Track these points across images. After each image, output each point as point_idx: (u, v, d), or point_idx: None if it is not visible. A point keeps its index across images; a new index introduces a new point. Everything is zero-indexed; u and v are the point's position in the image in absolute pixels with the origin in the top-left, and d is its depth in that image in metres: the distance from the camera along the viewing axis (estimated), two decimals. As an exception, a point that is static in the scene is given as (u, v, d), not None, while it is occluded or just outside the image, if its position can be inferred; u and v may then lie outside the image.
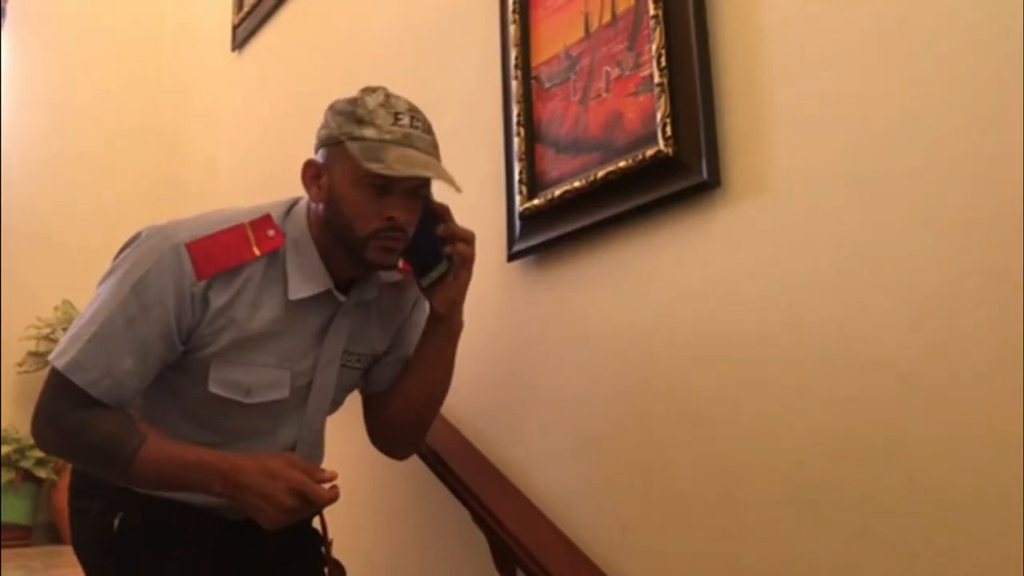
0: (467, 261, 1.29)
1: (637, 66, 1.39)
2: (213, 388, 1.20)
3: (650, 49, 1.36)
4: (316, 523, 1.36)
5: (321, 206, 1.22)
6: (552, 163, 1.54)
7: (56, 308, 3.43)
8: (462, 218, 1.30)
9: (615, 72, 1.44)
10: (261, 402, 1.24)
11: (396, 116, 1.18)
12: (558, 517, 1.45)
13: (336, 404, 1.37)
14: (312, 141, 1.25)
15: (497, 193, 1.67)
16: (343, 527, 1.44)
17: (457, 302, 1.31)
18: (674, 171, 1.30)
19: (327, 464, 1.28)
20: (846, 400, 1.07)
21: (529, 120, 1.61)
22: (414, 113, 1.20)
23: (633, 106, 1.39)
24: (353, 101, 1.20)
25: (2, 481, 3.11)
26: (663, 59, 1.32)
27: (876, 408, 1.04)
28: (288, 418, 1.29)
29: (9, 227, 3.42)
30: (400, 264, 1.32)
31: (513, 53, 1.65)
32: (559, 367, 1.52)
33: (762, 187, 1.20)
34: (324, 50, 2.56)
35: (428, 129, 1.21)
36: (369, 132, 1.17)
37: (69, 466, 1.35)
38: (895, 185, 1.04)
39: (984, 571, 0.92)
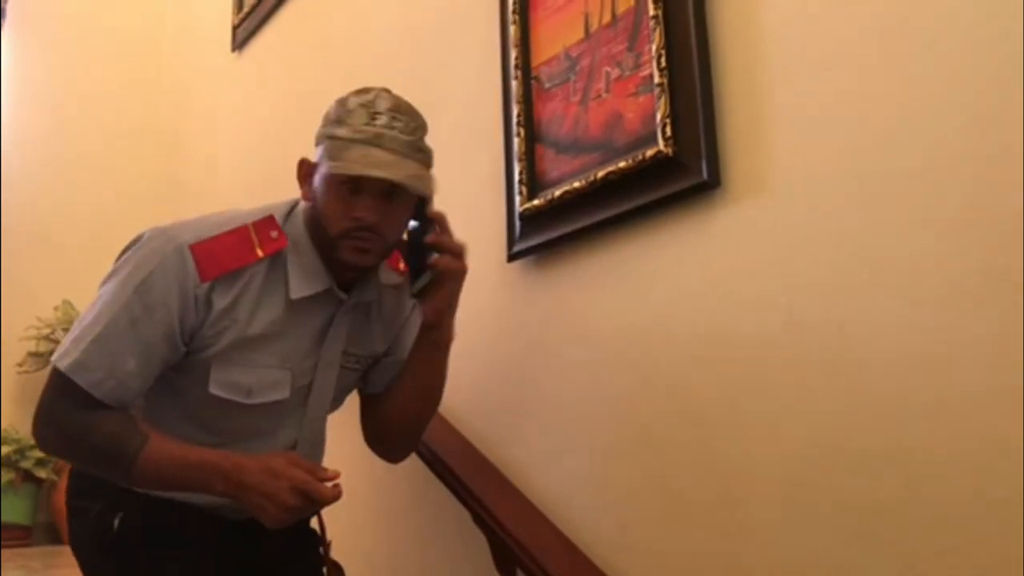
0: (454, 274, 1.25)
1: (637, 66, 1.39)
2: (214, 389, 1.20)
3: (650, 49, 1.36)
4: (314, 524, 1.36)
5: (311, 205, 1.23)
6: (552, 163, 1.54)
7: (56, 308, 3.42)
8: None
9: (615, 72, 1.44)
10: (262, 403, 1.24)
11: (373, 116, 1.16)
12: (558, 517, 1.45)
13: (336, 403, 1.37)
14: (312, 141, 1.25)
15: (497, 193, 1.67)
16: (343, 527, 1.44)
17: (444, 312, 1.27)
18: (674, 171, 1.30)
19: (327, 464, 1.27)
20: (846, 400, 1.07)
21: (529, 120, 1.60)
22: (396, 114, 1.17)
23: (633, 106, 1.39)
24: (341, 101, 1.21)
25: (2, 481, 3.11)
26: (663, 59, 1.32)
27: (876, 408, 1.03)
28: (288, 418, 1.29)
29: (9, 227, 3.41)
30: (400, 267, 1.32)
31: (513, 53, 1.65)
32: (559, 367, 1.52)
33: (762, 187, 1.20)
34: (324, 50, 2.56)
35: (411, 131, 1.18)
36: (342, 131, 1.17)
37: (69, 466, 1.35)
38: (895, 185, 1.04)
39: (984, 571, 0.92)
